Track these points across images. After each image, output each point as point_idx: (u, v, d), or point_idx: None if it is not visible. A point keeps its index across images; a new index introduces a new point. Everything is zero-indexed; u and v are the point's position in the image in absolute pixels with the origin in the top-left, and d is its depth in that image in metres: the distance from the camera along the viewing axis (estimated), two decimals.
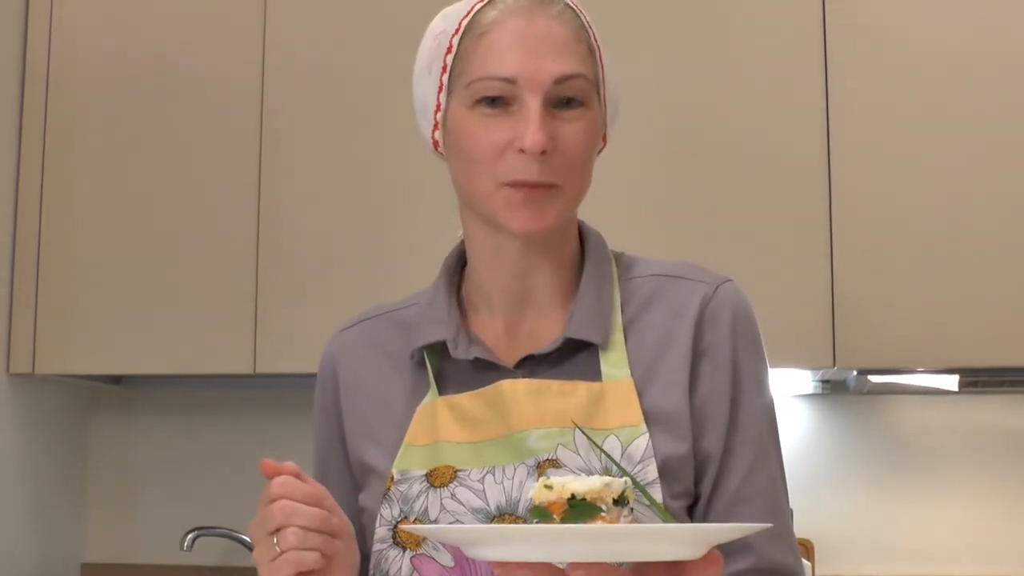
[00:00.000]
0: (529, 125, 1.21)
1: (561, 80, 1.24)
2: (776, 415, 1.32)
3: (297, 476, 1.17)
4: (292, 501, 1.15)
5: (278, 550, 1.14)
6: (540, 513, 1.05)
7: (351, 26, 2.62)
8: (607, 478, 1.05)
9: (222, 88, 2.65)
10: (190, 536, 2.68)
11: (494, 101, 1.24)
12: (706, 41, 2.51)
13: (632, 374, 1.26)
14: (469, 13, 1.28)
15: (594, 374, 1.27)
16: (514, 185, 1.23)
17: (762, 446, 1.28)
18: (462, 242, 1.37)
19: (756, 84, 2.48)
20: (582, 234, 1.36)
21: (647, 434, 1.22)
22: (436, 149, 1.33)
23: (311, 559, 1.15)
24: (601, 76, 1.30)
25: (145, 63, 2.69)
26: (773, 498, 1.28)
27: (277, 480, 1.16)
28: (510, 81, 1.23)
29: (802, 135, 2.45)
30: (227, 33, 2.67)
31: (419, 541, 1.24)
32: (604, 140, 1.34)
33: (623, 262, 1.36)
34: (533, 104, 1.22)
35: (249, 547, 2.74)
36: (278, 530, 1.14)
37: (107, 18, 2.72)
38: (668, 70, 2.50)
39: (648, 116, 2.46)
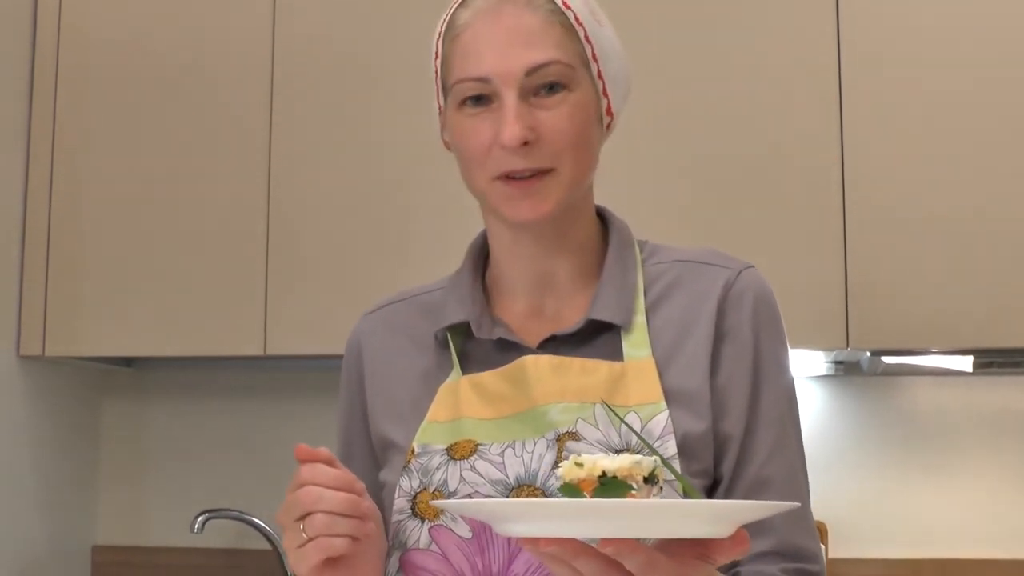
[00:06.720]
0: (505, 121, 1.23)
1: (532, 70, 1.25)
2: (797, 399, 1.33)
3: (329, 462, 1.16)
4: (319, 487, 1.14)
5: (306, 536, 1.14)
6: (570, 490, 1.04)
7: (360, 13, 2.61)
8: (637, 456, 1.04)
9: (232, 73, 2.64)
10: (201, 518, 2.68)
11: (478, 100, 1.26)
12: (720, 29, 2.50)
13: (653, 354, 1.27)
14: (446, 16, 1.31)
15: (616, 355, 1.28)
16: (505, 179, 1.26)
17: (783, 429, 1.29)
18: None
19: (770, 69, 2.47)
20: (606, 221, 1.38)
21: (667, 411, 1.23)
22: (448, 148, 1.36)
23: (339, 544, 1.14)
24: (591, 52, 1.29)
25: (156, 46, 2.68)
26: (794, 482, 1.29)
27: (306, 466, 1.15)
28: (484, 80, 1.25)
29: (816, 119, 2.44)
30: (237, 19, 2.66)
31: (437, 512, 1.25)
32: (611, 115, 1.34)
33: (646, 249, 1.37)
34: (508, 99, 1.24)
35: (259, 529, 2.75)
36: (306, 516, 1.14)
37: (116, 6, 2.71)
38: (683, 58, 2.49)
39: (663, 103, 2.45)
